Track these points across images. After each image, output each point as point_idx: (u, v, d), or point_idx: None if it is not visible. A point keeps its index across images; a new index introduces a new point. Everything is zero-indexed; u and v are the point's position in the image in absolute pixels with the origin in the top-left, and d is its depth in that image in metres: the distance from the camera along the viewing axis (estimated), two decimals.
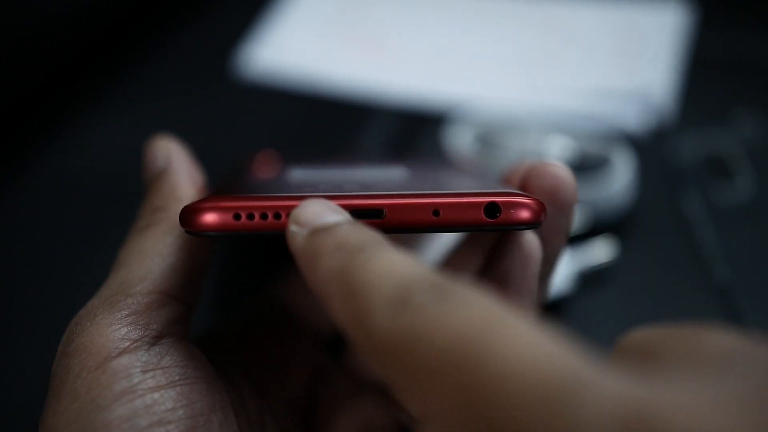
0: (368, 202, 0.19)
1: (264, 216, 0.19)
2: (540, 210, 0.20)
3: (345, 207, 0.19)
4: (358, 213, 0.19)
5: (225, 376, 0.23)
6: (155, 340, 0.20)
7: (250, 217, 0.19)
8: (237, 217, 0.19)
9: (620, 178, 0.37)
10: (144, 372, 0.19)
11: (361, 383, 0.27)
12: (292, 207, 0.19)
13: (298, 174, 0.27)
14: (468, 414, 0.13)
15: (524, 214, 0.19)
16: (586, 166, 0.39)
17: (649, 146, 0.42)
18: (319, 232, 0.18)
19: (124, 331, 0.19)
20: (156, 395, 0.19)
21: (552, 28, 0.52)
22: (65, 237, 0.40)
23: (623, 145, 0.40)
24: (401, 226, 0.19)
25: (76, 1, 0.48)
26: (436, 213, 0.19)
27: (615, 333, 0.34)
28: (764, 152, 0.42)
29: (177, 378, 0.19)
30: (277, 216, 0.19)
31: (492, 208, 0.19)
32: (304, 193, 0.20)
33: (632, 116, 0.44)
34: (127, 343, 0.19)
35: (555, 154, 0.39)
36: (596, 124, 0.43)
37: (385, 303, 0.15)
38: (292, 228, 0.18)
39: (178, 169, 0.25)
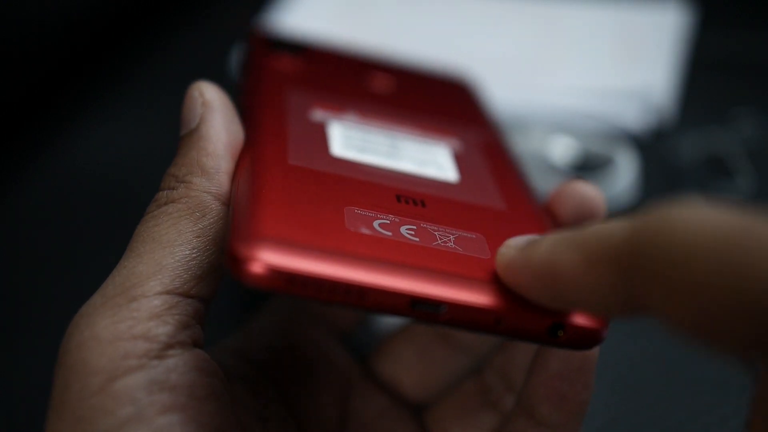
0: (431, 294, 0.17)
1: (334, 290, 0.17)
2: (603, 332, 0.18)
3: (406, 294, 0.17)
4: (417, 302, 0.17)
5: (245, 389, 0.21)
6: (162, 352, 0.18)
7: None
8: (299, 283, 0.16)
9: (624, 178, 0.37)
10: (150, 394, 0.17)
11: (395, 399, 0.25)
12: (369, 290, 0.17)
13: (342, 144, 0.23)
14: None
15: (585, 340, 0.18)
16: (589, 166, 0.39)
17: (650, 146, 0.42)
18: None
19: (128, 347, 0.18)
20: (163, 420, 0.17)
21: (553, 28, 0.52)
22: (65, 237, 0.40)
23: (626, 145, 0.40)
24: (457, 323, 0.18)
25: (75, 1, 0.47)
26: (497, 322, 0.18)
27: (615, 333, 0.34)
28: (764, 152, 0.42)
29: (184, 399, 0.18)
30: (349, 293, 0.17)
31: (555, 328, 0.18)
32: (373, 266, 0.17)
33: (632, 116, 0.44)
34: (132, 361, 0.18)
35: (558, 153, 0.39)
36: (599, 124, 0.44)
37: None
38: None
39: (210, 130, 0.21)
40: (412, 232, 0.19)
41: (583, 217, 0.22)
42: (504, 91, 0.47)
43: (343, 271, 0.17)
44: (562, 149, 0.39)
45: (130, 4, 0.54)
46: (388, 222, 0.19)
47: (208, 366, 0.19)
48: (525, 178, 0.25)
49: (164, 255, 0.19)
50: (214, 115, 0.21)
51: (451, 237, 0.19)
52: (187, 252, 0.19)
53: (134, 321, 0.18)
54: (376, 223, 0.19)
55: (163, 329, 0.18)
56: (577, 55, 0.49)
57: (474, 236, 0.20)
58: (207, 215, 0.20)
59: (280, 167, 0.20)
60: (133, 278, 0.19)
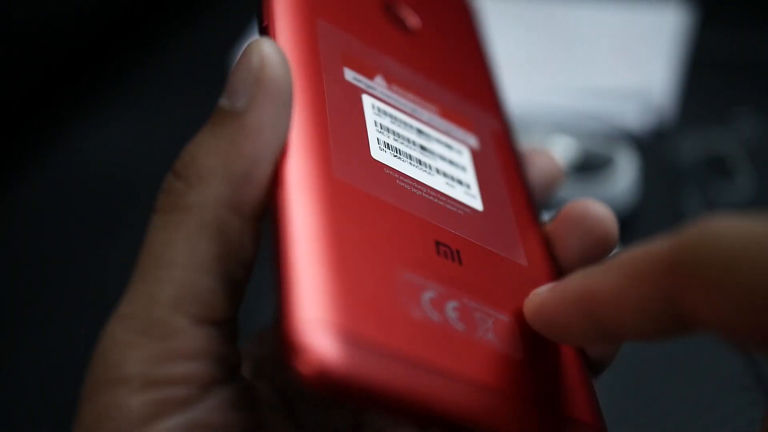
0: (470, 421, 0.16)
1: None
2: None
3: (454, 420, 0.16)
4: (457, 427, 0.16)
5: (261, 407, 0.20)
6: (202, 392, 0.17)
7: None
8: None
9: (624, 178, 0.37)
10: None
11: None
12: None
13: (378, 137, 0.20)
14: None
15: None
16: (589, 166, 0.39)
17: (650, 146, 0.42)
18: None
19: (167, 393, 0.16)
20: None
21: (553, 28, 0.52)
22: (66, 237, 0.40)
23: (626, 145, 0.40)
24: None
25: (75, 1, 0.48)
26: None
27: None
28: (764, 152, 0.42)
29: None
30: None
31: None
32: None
33: (632, 116, 0.44)
34: (171, 407, 0.16)
35: (558, 154, 0.39)
36: (599, 124, 0.44)
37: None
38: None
39: (256, 123, 0.17)
40: (457, 314, 0.18)
41: (592, 239, 0.20)
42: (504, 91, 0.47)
43: (407, 389, 0.15)
44: (562, 149, 0.39)
45: (130, 4, 0.54)
46: (435, 296, 0.18)
47: (246, 398, 0.18)
48: (532, 196, 0.24)
49: (185, 285, 0.17)
50: (268, 101, 0.17)
51: (490, 322, 0.19)
52: (209, 278, 0.17)
53: (171, 364, 0.17)
54: (425, 299, 0.17)
55: (202, 368, 0.17)
56: (577, 55, 0.49)
57: (506, 318, 0.19)
58: (225, 234, 0.17)
59: (325, 186, 0.17)
60: (156, 310, 0.17)
